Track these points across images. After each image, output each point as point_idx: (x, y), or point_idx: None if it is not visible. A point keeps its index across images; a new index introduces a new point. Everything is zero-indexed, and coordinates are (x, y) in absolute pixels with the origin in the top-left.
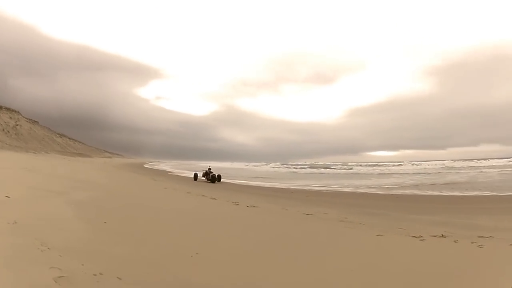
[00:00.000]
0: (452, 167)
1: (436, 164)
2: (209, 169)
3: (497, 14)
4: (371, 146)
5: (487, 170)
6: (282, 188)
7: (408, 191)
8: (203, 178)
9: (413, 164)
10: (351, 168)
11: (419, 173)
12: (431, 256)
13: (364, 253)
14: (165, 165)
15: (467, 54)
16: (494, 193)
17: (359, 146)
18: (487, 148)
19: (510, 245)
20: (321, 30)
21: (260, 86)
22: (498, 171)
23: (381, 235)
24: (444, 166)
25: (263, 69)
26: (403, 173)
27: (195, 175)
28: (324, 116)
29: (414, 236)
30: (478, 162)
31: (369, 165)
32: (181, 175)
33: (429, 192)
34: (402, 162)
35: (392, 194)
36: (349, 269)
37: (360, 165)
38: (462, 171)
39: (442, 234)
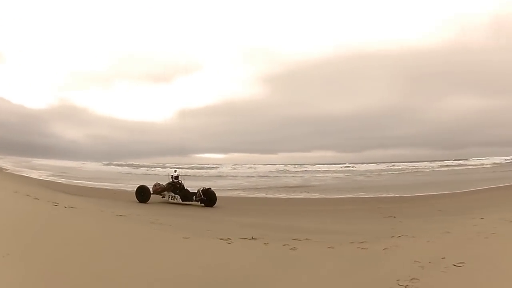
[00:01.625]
0: (285, 170)
1: (268, 168)
2: (177, 177)
3: (341, 27)
4: (201, 148)
5: (320, 174)
6: (108, 189)
7: (235, 193)
8: (159, 194)
9: (249, 168)
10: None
11: (252, 176)
12: (235, 259)
13: (163, 256)
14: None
15: (306, 64)
16: (323, 196)
17: (189, 148)
18: (320, 154)
19: (328, 247)
20: (158, 28)
21: (95, 81)
22: (331, 176)
23: (188, 238)
24: (277, 170)
25: (100, 63)
26: (236, 176)
27: (142, 190)
28: (157, 116)
29: (222, 239)
30: (312, 166)
31: (198, 168)
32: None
33: (256, 194)
34: (221, 164)
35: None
36: (146, 272)
37: (193, 167)
38: (295, 175)
39: (252, 237)
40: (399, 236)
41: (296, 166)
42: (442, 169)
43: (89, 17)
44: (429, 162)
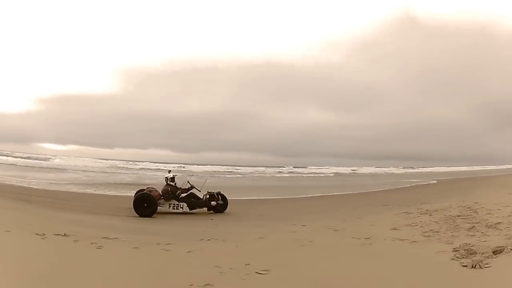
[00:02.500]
0: (122, 167)
1: (105, 163)
2: (173, 179)
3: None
4: (42, 137)
5: (154, 172)
6: None
7: (67, 188)
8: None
9: (84, 161)
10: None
11: (86, 171)
12: (45, 254)
13: None
14: None
15: (162, 64)
16: None
17: (30, 136)
18: (156, 152)
19: (134, 248)
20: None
21: None
22: (162, 174)
23: (9, 231)
24: (113, 166)
25: None
26: (74, 169)
27: (145, 200)
28: (4, 101)
29: (37, 234)
30: (144, 164)
31: (35, 158)
32: None
33: (87, 190)
34: (57, 156)
35: (47, 190)
36: None
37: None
38: (130, 172)
39: (65, 233)
40: (209, 240)
41: (130, 162)
42: (279, 175)
43: None
44: (266, 168)
